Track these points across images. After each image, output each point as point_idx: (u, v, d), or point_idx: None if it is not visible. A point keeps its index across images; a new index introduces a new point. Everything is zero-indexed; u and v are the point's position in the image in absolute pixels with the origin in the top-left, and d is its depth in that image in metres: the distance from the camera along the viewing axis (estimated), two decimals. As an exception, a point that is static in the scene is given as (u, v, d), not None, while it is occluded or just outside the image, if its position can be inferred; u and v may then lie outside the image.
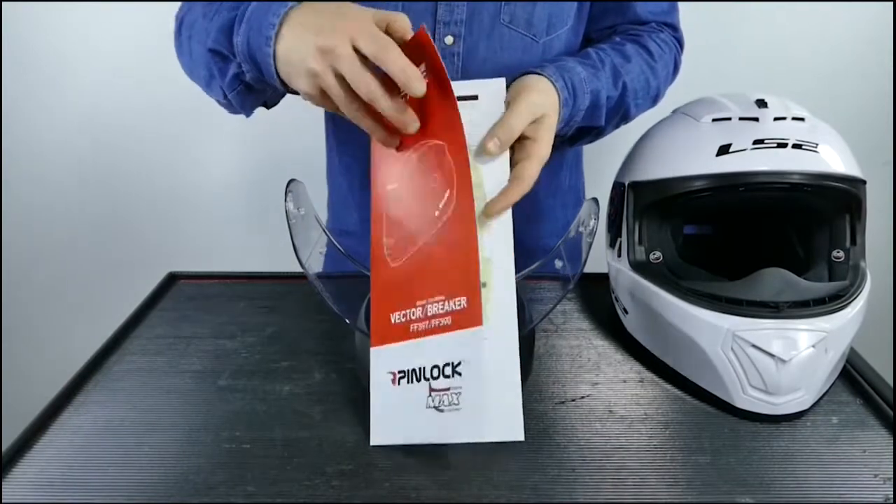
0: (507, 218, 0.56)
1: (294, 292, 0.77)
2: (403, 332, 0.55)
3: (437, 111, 0.55)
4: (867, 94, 1.23)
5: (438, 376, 0.52)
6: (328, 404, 0.59)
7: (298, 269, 0.60)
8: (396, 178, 0.58)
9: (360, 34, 0.49)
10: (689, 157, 0.60)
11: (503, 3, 0.70)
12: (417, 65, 0.51)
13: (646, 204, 0.63)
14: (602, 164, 0.85)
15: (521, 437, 0.50)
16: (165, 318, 0.74)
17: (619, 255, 0.66)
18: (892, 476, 0.50)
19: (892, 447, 0.53)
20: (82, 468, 0.52)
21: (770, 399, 0.55)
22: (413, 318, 0.55)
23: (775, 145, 0.57)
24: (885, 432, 0.55)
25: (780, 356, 0.53)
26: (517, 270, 0.55)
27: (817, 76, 1.21)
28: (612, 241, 0.68)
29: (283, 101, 0.94)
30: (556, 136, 0.64)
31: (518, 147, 0.58)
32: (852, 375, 0.62)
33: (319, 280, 0.60)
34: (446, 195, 0.55)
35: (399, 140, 0.57)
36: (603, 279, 0.72)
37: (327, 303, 0.60)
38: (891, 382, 0.60)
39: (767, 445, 0.54)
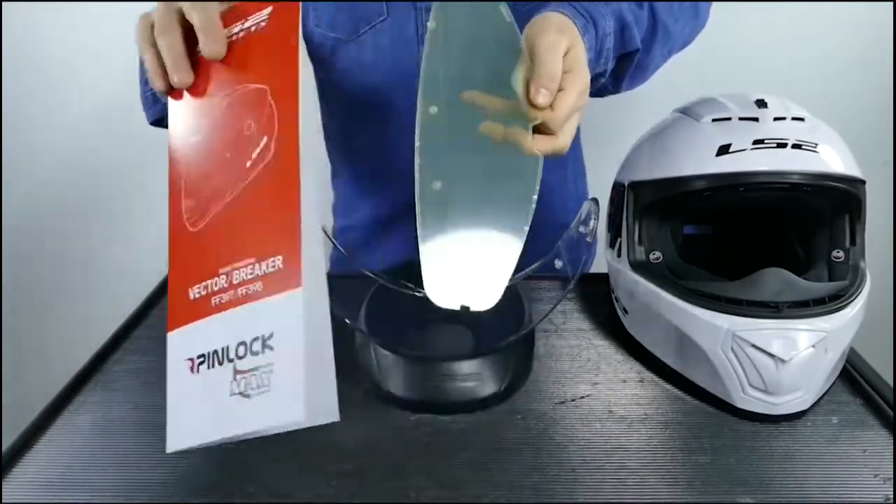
0: (313, 168, 0.48)
1: (294, 292, 0.77)
2: (204, 308, 0.47)
3: (270, 58, 0.50)
4: (867, 94, 1.22)
5: (245, 354, 0.44)
6: (328, 404, 0.59)
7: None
8: (200, 128, 0.51)
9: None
10: (689, 157, 0.60)
11: None
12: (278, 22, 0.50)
13: (646, 204, 0.63)
14: (602, 164, 0.85)
15: (337, 418, 0.44)
16: (166, 317, 0.74)
17: (619, 255, 0.66)
18: (892, 476, 0.50)
19: (892, 447, 0.53)
20: (82, 468, 0.52)
21: (770, 399, 0.55)
22: (215, 289, 0.47)
23: (775, 145, 0.57)
24: (885, 432, 0.55)
25: (780, 356, 0.53)
26: (527, 257, 0.54)
27: (817, 76, 1.21)
28: (612, 241, 0.68)
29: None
30: (599, 74, 0.63)
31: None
32: (852, 375, 0.62)
33: (319, 280, 0.60)
34: (262, 143, 0.48)
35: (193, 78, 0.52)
36: (603, 279, 0.72)
37: (327, 303, 0.60)
38: (891, 382, 0.60)
39: (767, 445, 0.54)
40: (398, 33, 0.76)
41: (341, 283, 0.62)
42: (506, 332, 0.61)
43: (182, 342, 0.48)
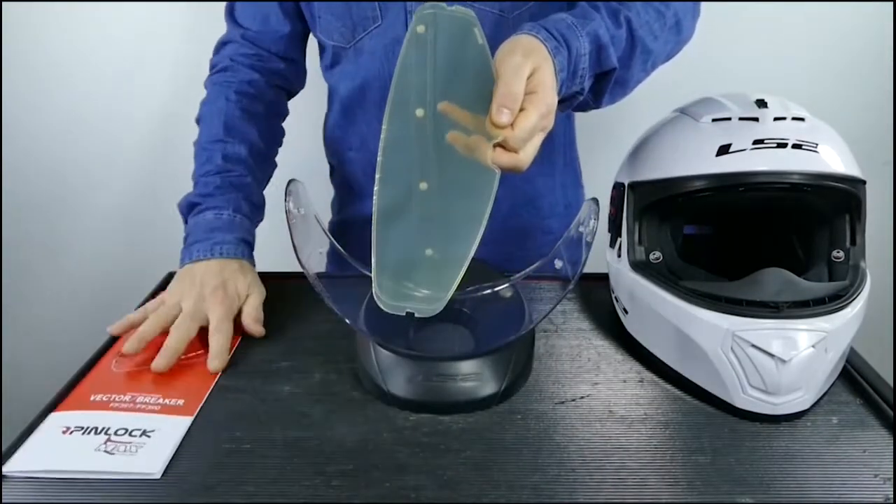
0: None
1: (294, 292, 0.77)
2: (100, 406, 0.57)
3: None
4: (867, 94, 1.22)
5: (123, 434, 0.54)
6: (328, 404, 0.59)
7: (298, 269, 0.60)
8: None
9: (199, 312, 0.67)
10: (689, 157, 0.60)
11: None
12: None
13: (646, 204, 0.63)
14: (601, 164, 0.85)
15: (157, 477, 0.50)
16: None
17: (619, 255, 0.66)
18: (892, 476, 0.50)
19: (892, 447, 0.53)
20: (82, 468, 0.52)
21: (770, 399, 0.55)
22: (117, 400, 0.58)
23: (775, 145, 0.57)
24: (885, 432, 0.55)
25: (780, 356, 0.53)
26: (520, 260, 0.55)
27: (817, 76, 1.21)
28: (612, 241, 0.68)
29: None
30: (577, 92, 0.63)
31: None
32: (852, 375, 0.62)
33: (319, 280, 0.60)
34: (198, 352, 0.65)
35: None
36: (603, 279, 0.72)
37: (327, 303, 0.60)
38: (891, 382, 0.60)
39: (767, 445, 0.54)
40: (391, 37, 0.77)
41: (341, 283, 0.62)
42: (506, 332, 0.61)
43: (65, 419, 0.56)
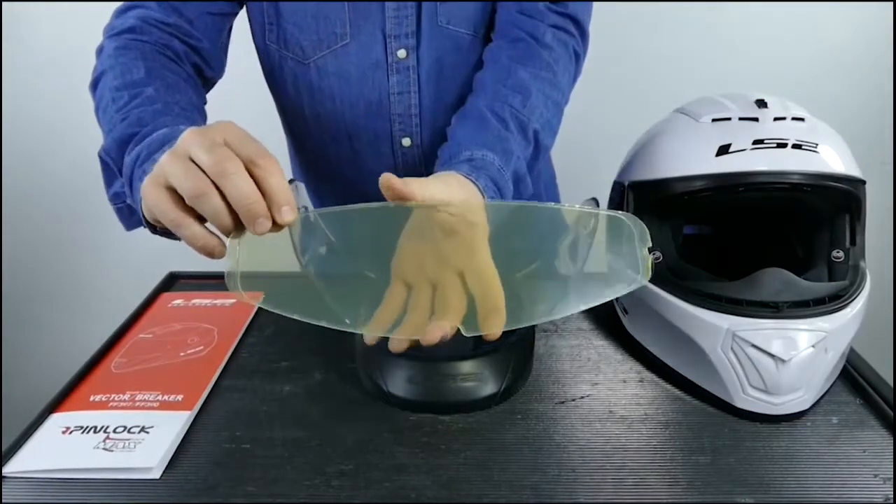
0: None
1: (294, 292, 0.77)
2: (99, 406, 0.58)
3: (224, 320, 0.71)
4: (867, 94, 1.23)
5: (122, 432, 0.54)
6: (328, 404, 0.59)
7: (298, 269, 0.60)
8: (154, 333, 0.70)
9: (232, 133, 0.44)
10: (689, 157, 0.60)
11: (438, 3, 0.70)
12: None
13: (646, 204, 0.63)
14: (602, 164, 0.85)
15: (157, 476, 0.51)
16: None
17: (619, 255, 0.66)
18: (892, 476, 0.50)
19: (892, 447, 0.53)
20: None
21: (770, 399, 0.55)
22: (116, 399, 0.59)
23: (775, 145, 0.57)
24: (885, 432, 0.55)
25: (780, 356, 0.53)
26: (515, 268, 0.55)
27: (817, 76, 1.21)
28: (612, 241, 0.68)
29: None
30: None
31: None
32: (852, 375, 0.62)
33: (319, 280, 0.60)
34: (199, 348, 0.67)
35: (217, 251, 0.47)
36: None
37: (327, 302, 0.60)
38: (891, 382, 0.60)
39: (767, 445, 0.54)
40: (364, 59, 0.72)
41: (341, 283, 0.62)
42: (506, 332, 0.61)
43: (65, 420, 0.56)
